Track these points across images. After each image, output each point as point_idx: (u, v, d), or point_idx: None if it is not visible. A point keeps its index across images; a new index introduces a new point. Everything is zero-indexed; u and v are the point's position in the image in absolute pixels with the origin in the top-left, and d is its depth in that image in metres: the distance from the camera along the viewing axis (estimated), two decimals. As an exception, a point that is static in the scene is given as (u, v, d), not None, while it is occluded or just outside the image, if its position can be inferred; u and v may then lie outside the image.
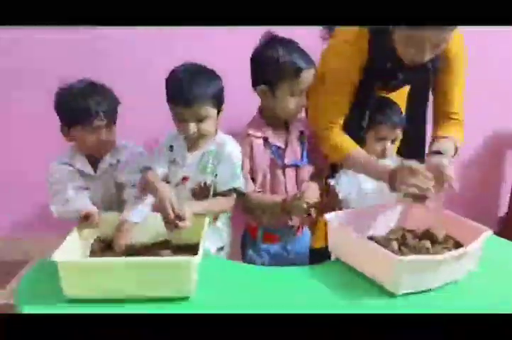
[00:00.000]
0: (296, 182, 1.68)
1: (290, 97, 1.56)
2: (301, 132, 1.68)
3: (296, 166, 1.66)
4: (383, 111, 1.67)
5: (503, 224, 2.71)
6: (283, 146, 1.64)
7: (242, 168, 1.60)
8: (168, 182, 1.59)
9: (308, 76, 1.55)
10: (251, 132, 1.62)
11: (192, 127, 1.49)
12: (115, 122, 1.62)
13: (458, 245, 1.44)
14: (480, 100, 2.29)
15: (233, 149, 1.59)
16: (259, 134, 1.62)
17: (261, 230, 1.71)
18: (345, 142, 1.61)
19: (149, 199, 1.49)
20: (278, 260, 1.70)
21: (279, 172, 1.64)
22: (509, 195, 2.68)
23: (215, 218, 1.64)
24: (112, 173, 1.63)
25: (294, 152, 1.66)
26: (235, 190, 1.59)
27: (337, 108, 1.63)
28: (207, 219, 1.46)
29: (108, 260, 1.30)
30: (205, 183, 1.58)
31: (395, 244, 1.43)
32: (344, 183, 1.70)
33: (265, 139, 1.62)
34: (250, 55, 1.61)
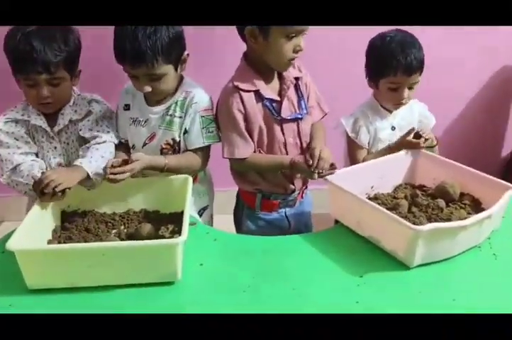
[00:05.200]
0: (299, 136, 1.44)
1: (285, 40, 1.28)
2: (296, 79, 1.43)
3: (296, 120, 1.42)
4: (396, 54, 1.42)
5: (507, 165, 2.57)
6: (278, 98, 1.39)
7: (235, 126, 1.36)
8: (133, 146, 1.42)
9: None
10: (238, 84, 1.35)
11: (145, 86, 1.30)
12: (73, 75, 1.35)
13: (476, 202, 1.29)
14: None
15: (202, 98, 1.39)
16: (248, 86, 1.35)
17: (259, 197, 1.50)
18: None
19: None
20: (278, 228, 1.52)
21: (277, 128, 1.40)
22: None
23: (195, 179, 1.46)
24: (74, 130, 1.39)
25: (291, 104, 1.42)
26: (207, 147, 1.41)
27: None
28: (190, 181, 1.29)
29: (77, 246, 1.09)
30: (173, 140, 1.40)
31: (405, 205, 1.27)
32: (364, 134, 1.52)
33: (256, 92, 1.37)
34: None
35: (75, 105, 1.39)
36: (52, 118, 1.37)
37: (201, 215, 1.52)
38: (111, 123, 1.43)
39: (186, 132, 1.39)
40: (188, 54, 1.35)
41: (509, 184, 1.21)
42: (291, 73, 1.41)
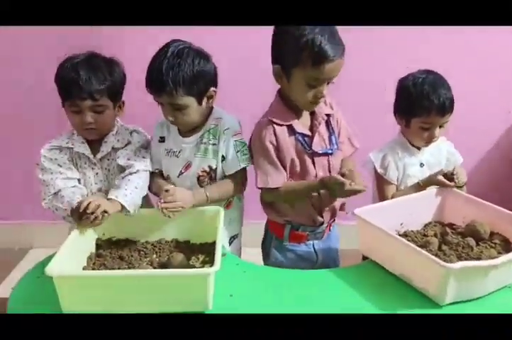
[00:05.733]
0: (329, 171, 1.46)
1: (306, 86, 1.33)
2: (328, 115, 1.46)
3: (327, 154, 1.45)
4: (429, 95, 1.45)
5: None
6: (309, 133, 1.43)
7: (268, 157, 1.40)
8: (167, 176, 1.48)
9: (332, 67, 1.28)
10: (273, 119, 1.40)
11: (168, 115, 1.38)
12: (116, 104, 1.43)
13: (506, 242, 1.29)
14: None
15: (231, 123, 1.45)
16: (282, 121, 1.40)
17: (288, 228, 1.51)
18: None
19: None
20: (306, 261, 1.53)
21: (309, 161, 1.43)
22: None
23: (229, 204, 1.51)
24: (116, 157, 1.45)
25: (322, 139, 1.45)
26: (243, 169, 1.46)
27: None
28: (222, 213, 1.32)
29: (111, 273, 1.14)
30: (209, 167, 1.44)
31: (435, 243, 1.27)
32: (392, 170, 1.55)
33: (289, 126, 1.41)
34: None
35: (118, 134, 1.47)
36: (94, 146, 1.44)
37: (230, 243, 1.54)
38: (148, 153, 1.48)
39: (223, 158, 1.43)
40: (215, 91, 1.41)
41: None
42: (322, 109, 1.44)
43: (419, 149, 1.57)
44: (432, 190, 1.47)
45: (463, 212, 1.40)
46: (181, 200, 1.31)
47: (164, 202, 1.28)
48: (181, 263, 1.20)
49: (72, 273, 1.11)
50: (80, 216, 1.23)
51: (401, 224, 1.39)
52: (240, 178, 1.47)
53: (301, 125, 1.42)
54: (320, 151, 1.43)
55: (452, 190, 1.45)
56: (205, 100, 1.39)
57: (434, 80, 1.48)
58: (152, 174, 1.47)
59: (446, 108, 1.46)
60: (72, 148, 1.42)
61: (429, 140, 1.52)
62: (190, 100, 1.34)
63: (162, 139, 1.48)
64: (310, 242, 1.53)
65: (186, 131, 1.45)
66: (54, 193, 1.35)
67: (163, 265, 1.22)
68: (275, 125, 1.39)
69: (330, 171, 1.46)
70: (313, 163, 1.44)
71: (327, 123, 1.47)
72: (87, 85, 1.33)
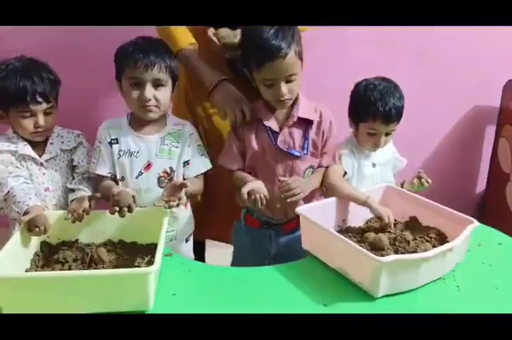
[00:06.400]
0: (291, 173, 1.49)
1: (264, 87, 1.39)
2: (307, 120, 1.48)
3: (293, 155, 1.48)
4: (375, 102, 1.49)
5: (482, 200, 2.65)
6: (277, 130, 1.47)
7: (230, 146, 1.50)
8: (122, 178, 1.48)
9: (276, 66, 1.32)
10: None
11: (149, 91, 1.39)
12: (56, 106, 1.46)
13: (442, 236, 1.34)
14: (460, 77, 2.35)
15: (193, 129, 1.54)
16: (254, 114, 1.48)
17: (243, 210, 1.59)
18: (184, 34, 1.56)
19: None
20: (259, 247, 1.59)
21: (271, 156, 1.48)
22: (487, 172, 2.60)
23: (186, 204, 1.55)
24: (62, 158, 1.49)
25: (291, 139, 1.48)
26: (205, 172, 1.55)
27: None
28: (166, 213, 1.34)
29: (51, 274, 1.15)
30: (170, 168, 1.48)
31: (371, 237, 1.31)
32: (347, 166, 1.58)
33: (260, 121, 1.47)
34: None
35: (60, 136, 1.49)
36: (37, 147, 1.46)
37: (187, 241, 1.60)
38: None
39: (186, 162, 1.49)
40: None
41: (471, 218, 1.27)
42: (300, 113, 1.47)
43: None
44: (374, 187, 1.52)
45: (403, 208, 1.45)
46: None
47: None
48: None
49: (12, 274, 1.11)
50: (29, 227, 1.25)
51: (343, 220, 1.43)
52: (203, 179, 1.53)
53: (273, 121, 1.47)
54: (285, 150, 1.47)
55: (393, 188, 1.51)
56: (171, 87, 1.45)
57: (385, 88, 1.50)
58: (98, 179, 1.48)
59: (391, 116, 1.48)
60: (16, 151, 1.42)
61: (374, 146, 1.56)
62: (168, 80, 1.42)
63: (115, 141, 1.47)
64: (267, 231, 1.57)
65: (146, 127, 1.47)
66: (7, 193, 1.35)
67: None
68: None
69: (291, 173, 1.49)
70: (275, 158, 1.47)
71: (306, 128, 1.49)
72: (41, 88, 1.38)
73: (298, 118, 1.47)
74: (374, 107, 1.48)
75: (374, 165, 1.61)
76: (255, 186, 1.37)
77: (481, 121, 2.55)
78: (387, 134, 1.54)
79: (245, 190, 1.35)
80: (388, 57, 2.25)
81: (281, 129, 1.47)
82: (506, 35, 2.31)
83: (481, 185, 2.68)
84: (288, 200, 1.39)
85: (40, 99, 1.38)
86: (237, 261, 1.67)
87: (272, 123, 1.47)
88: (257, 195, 1.34)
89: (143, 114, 1.42)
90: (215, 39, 1.49)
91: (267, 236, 1.57)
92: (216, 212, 1.78)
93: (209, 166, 1.54)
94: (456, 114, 2.52)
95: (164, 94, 1.42)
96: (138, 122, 1.47)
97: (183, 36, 1.55)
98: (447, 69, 2.34)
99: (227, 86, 1.51)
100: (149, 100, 1.38)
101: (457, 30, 1.97)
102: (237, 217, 1.63)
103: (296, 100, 1.47)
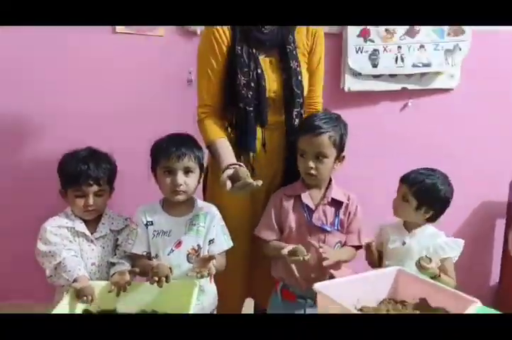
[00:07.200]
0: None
1: (300, 158, 1.70)
2: (339, 202, 1.74)
3: (324, 230, 1.70)
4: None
5: (496, 293, 2.70)
6: (313, 207, 1.71)
7: (269, 218, 1.73)
8: (156, 255, 1.64)
9: (313, 141, 1.64)
10: (285, 191, 1.76)
11: (180, 177, 1.60)
12: (109, 190, 1.72)
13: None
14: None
15: (217, 212, 1.72)
16: (291, 193, 1.74)
17: (280, 284, 1.76)
18: (214, 130, 1.75)
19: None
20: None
21: (305, 230, 1.71)
22: (500, 263, 2.69)
23: (211, 279, 1.70)
24: (111, 237, 1.70)
25: (324, 216, 1.72)
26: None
27: (205, 91, 1.78)
28: (197, 286, 1.48)
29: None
30: (198, 246, 1.65)
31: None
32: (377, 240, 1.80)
33: (298, 197, 1.72)
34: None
35: (111, 218, 1.72)
36: (90, 226, 1.68)
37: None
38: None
39: (211, 240, 1.66)
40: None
41: (474, 298, 1.37)
42: (333, 194, 1.73)
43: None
44: (387, 269, 1.64)
45: (413, 290, 1.56)
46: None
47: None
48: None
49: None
50: (78, 295, 1.43)
51: (358, 299, 1.54)
52: (225, 256, 1.71)
53: (309, 198, 1.72)
54: (318, 225, 1.69)
55: (404, 271, 1.63)
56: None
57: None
58: (135, 256, 1.66)
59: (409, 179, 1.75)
60: (73, 227, 1.65)
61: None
62: (197, 168, 1.65)
63: (150, 223, 1.66)
64: (302, 304, 1.71)
65: (176, 209, 1.67)
66: (59, 262, 1.54)
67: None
68: (283, 195, 1.75)
69: None
70: (309, 233, 1.70)
71: (337, 208, 1.73)
72: (95, 174, 1.63)
73: (332, 199, 1.72)
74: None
75: (403, 243, 1.76)
76: (299, 247, 1.56)
77: (491, 215, 2.69)
78: (403, 199, 1.73)
79: (286, 249, 1.56)
80: (393, 150, 2.51)
81: (316, 207, 1.70)
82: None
83: (494, 278, 2.75)
84: (324, 264, 1.57)
85: (91, 182, 1.63)
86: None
87: (309, 201, 1.71)
88: (299, 250, 1.54)
89: (174, 197, 1.63)
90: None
91: (302, 308, 1.72)
92: (252, 288, 1.93)
93: (231, 244, 1.71)
94: (467, 209, 2.67)
95: (193, 180, 1.64)
96: (170, 205, 1.67)
97: (215, 130, 1.77)
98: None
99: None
100: (181, 185, 1.60)
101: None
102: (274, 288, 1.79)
103: (329, 184, 1.74)
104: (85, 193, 1.64)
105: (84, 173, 1.62)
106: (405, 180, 1.74)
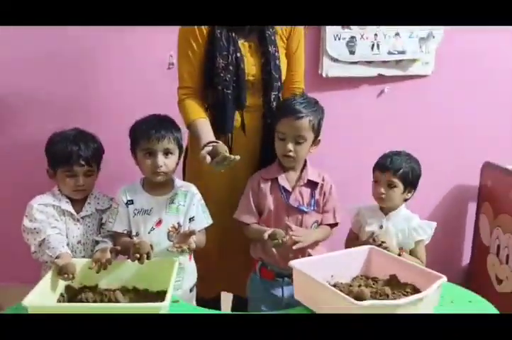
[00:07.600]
0: (300, 225, 1.76)
1: (278, 140, 1.73)
2: (314, 182, 1.80)
3: (301, 211, 1.76)
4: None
5: (467, 273, 2.82)
6: (289, 189, 1.77)
7: (248, 202, 1.78)
8: (137, 233, 1.68)
9: (293, 124, 1.69)
10: (262, 174, 1.81)
11: (160, 159, 1.63)
12: (97, 170, 1.75)
13: (417, 291, 1.50)
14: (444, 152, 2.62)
15: (197, 191, 1.76)
16: (267, 176, 1.79)
17: (259, 264, 1.82)
18: (194, 110, 1.80)
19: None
20: (272, 297, 1.80)
21: (283, 211, 1.77)
22: (471, 246, 2.79)
23: (191, 256, 1.76)
24: (96, 216, 1.74)
25: (300, 196, 1.78)
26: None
27: (186, 73, 1.82)
28: (177, 263, 1.53)
29: (79, 306, 1.36)
30: (178, 224, 1.69)
31: (355, 290, 1.49)
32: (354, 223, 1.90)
33: (275, 180, 1.77)
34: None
35: (97, 198, 1.76)
36: (76, 205, 1.71)
37: (191, 290, 1.77)
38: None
39: (191, 218, 1.71)
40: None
41: (440, 274, 1.45)
42: (309, 176, 1.79)
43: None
44: (360, 248, 1.71)
45: (384, 267, 1.64)
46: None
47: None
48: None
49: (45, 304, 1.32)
50: (59, 272, 1.45)
51: (332, 276, 1.61)
52: (205, 234, 1.75)
53: (286, 180, 1.78)
54: (295, 206, 1.75)
55: (376, 249, 1.70)
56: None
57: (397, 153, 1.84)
58: (117, 235, 1.69)
59: (386, 164, 1.80)
60: (59, 206, 1.68)
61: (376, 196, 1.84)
62: (176, 149, 1.68)
63: (131, 202, 1.70)
64: (280, 282, 1.78)
65: (156, 189, 1.70)
66: (43, 239, 1.57)
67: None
68: (260, 178, 1.80)
69: (301, 226, 1.77)
70: (287, 214, 1.76)
71: (313, 188, 1.80)
72: (84, 154, 1.66)
73: (307, 180, 1.78)
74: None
75: (381, 227, 1.83)
76: (277, 230, 1.63)
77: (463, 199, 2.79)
78: (390, 186, 1.78)
79: (266, 233, 1.62)
80: (369, 135, 2.58)
81: (292, 188, 1.76)
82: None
83: (466, 257, 2.85)
84: (294, 247, 1.63)
85: (82, 162, 1.67)
86: (252, 311, 1.84)
87: (285, 183, 1.77)
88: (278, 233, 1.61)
89: (154, 178, 1.66)
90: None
91: (280, 286, 1.79)
92: (231, 266, 1.98)
93: (210, 221, 1.76)
94: (440, 192, 2.76)
95: (172, 161, 1.68)
96: (150, 185, 1.71)
97: (195, 110, 1.81)
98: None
99: None
100: (161, 166, 1.64)
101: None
102: (252, 269, 1.85)
103: (305, 166, 1.80)
104: (75, 173, 1.67)
105: (75, 154, 1.65)
106: (385, 167, 1.78)
